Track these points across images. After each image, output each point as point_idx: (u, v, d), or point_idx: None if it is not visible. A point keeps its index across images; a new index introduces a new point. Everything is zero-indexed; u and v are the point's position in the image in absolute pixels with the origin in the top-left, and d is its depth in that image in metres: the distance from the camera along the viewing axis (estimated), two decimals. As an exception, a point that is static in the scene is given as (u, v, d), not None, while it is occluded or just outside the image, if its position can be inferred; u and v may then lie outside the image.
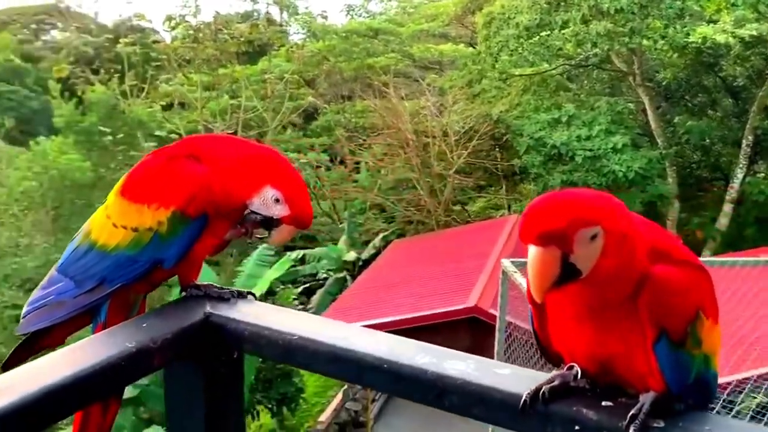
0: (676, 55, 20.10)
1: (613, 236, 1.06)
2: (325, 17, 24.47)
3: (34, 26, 34.91)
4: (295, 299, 17.24)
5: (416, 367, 1.22)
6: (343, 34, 23.13)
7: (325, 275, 19.63)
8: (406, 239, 21.21)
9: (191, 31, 19.60)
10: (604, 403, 1.10)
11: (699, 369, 1.12)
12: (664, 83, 21.93)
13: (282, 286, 17.10)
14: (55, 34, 31.79)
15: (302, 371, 16.01)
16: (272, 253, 14.48)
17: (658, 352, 1.08)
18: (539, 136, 20.00)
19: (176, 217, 1.44)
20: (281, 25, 25.74)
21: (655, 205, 20.25)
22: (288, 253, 17.38)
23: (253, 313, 1.46)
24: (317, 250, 20.41)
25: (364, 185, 23.72)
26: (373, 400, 15.09)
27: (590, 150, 19.29)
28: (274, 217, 1.48)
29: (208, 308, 1.47)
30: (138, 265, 1.46)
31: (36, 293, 1.53)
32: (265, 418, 15.75)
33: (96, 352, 1.28)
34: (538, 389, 1.10)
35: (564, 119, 20.10)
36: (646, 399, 1.07)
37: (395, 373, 1.24)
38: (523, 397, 1.10)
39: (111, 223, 1.47)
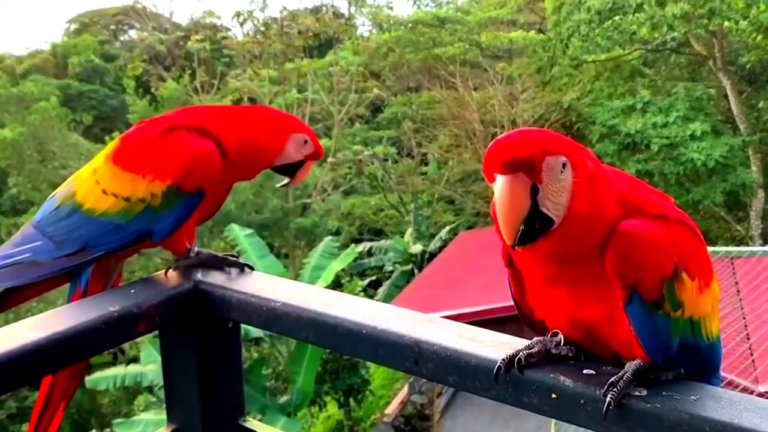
0: (760, 36, 18.99)
1: (581, 174, 0.97)
2: (391, 8, 24.43)
3: (113, 27, 36.42)
4: (361, 291, 17.33)
5: (393, 333, 1.17)
6: (410, 25, 22.99)
7: (391, 268, 19.66)
8: (473, 231, 20.97)
9: (260, 27, 19.93)
10: (585, 371, 1.02)
11: (684, 335, 1.01)
12: (747, 66, 20.80)
13: (349, 278, 17.22)
14: (133, 34, 33.06)
15: (369, 363, 16.14)
16: (337, 245, 14.60)
17: (630, 314, 0.98)
18: (613, 123, 19.37)
19: (172, 191, 1.40)
20: (348, 19, 25.87)
21: (737, 194, 19.26)
22: (353, 244, 17.50)
23: (241, 282, 1.44)
24: (384, 243, 20.45)
25: (433, 177, 23.58)
26: (439, 394, 15.04)
27: (667, 138, 18.53)
28: (302, 159, 1.56)
29: (199, 276, 1.46)
30: (125, 234, 1.42)
31: (5, 249, 1.49)
32: (333, 408, 15.93)
33: (75, 316, 1.28)
34: (514, 356, 1.02)
35: (639, 106, 19.39)
36: (629, 367, 0.98)
37: (373, 339, 1.19)
38: (498, 363, 1.02)
39: (100, 188, 1.43)
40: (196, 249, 1.49)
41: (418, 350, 1.13)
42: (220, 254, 1.50)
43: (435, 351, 1.11)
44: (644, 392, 0.95)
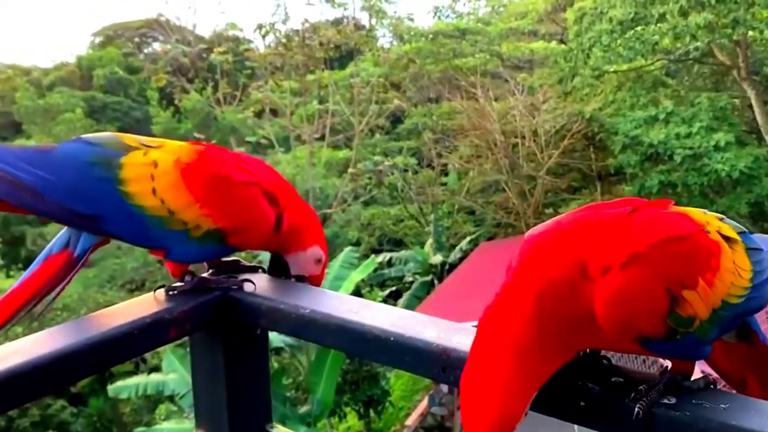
0: (785, 46, 18.84)
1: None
2: (412, 19, 24.55)
3: (137, 40, 36.97)
4: (381, 302, 17.31)
5: (421, 340, 1.18)
6: (430, 36, 23.07)
7: (411, 278, 19.65)
8: (493, 242, 20.90)
9: (281, 39, 20.16)
10: (614, 379, 1.01)
11: (708, 335, 0.99)
12: (773, 76, 20.63)
13: (369, 289, 17.23)
14: (157, 47, 33.51)
15: (390, 374, 16.10)
16: (357, 255, 14.64)
17: (651, 350, 0.98)
18: (635, 134, 19.26)
19: (216, 234, 1.38)
20: (369, 30, 26.06)
21: (762, 205, 19.02)
22: (373, 255, 17.52)
23: (269, 288, 1.45)
24: (403, 253, 20.46)
25: (453, 188, 23.57)
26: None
27: (690, 148, 18.38)
28: (305, 275, 1.50)
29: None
30: (146, 236, 1.38)
31: (7, 155, 1.35)
32: (353, 419, 15.91)
33: (110, 322, 1.31)
34: None
35: (662, 116, 19.26)
36: (662, 379, 0.98)
37: (401, 346, 1.20)
38: None
39: (153, 185, 1.35)
40: (188, 277, 1.45)
41: (446, 357, 1.13)
42: (213, 278, 1.46)
43: (463, 358, 1.10)
44: (673, 400, 0.95)
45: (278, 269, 1.51)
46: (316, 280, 1.51)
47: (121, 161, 1.36)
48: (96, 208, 1.35)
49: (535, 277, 0.96)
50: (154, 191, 1.35)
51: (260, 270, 1.52)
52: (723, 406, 0.93)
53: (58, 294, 1.42)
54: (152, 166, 1.37)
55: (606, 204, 1.04)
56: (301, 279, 1.50)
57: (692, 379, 0.98)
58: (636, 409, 0.93)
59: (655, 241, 0.96)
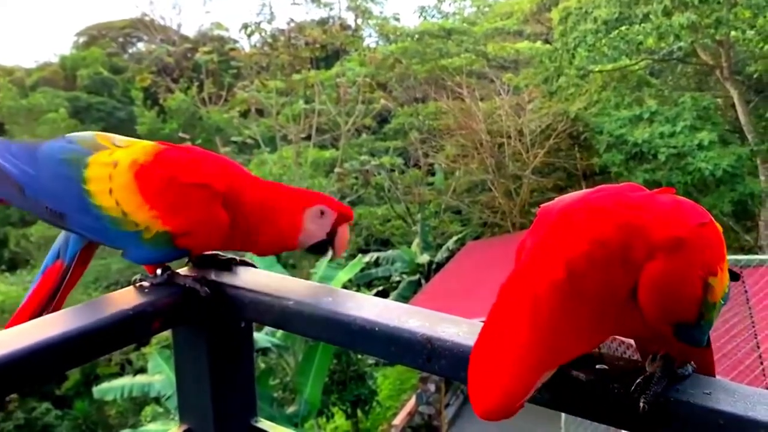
0: (767, 46, 18.99)
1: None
2: (398, 19, 24.54)
3: (121, 40, 36.65)
4: (368, 300, 17.30)
5: (406, 330, 1.18)
6: (416, 36, 23.08)
7: (398, 278, 19.65)
8: (480, 241, 20.95)
9: (267, 38, 20.13)
10: (597, 366, 1.01)
11: (714, 320, 1.00)
12: (754, 76, 20.79)
13: (356, 289, 17.20)
14: (141, 47, 33.29)
15: (377, 374, 16.10)
16: (344, 255, 14.63)
17: (682, 336, 0.97)
18: (620, 133, 19.37)
19: (164, 237, 1.37)
20: (355, 30, 26.02)
21: (745, 204, 19.20)
22: (360, 255, 17.51)
23: (253, 280, 1.44)
24: (390, 253, 20.46)
25: (439, 188, 23.61)
26: (447, 405, 14.98)
27: (674, 147, 18.51)
28: (329, 231, 1.45)
29: (212, 276, 1.47)
30: (104, 235, 1.40)
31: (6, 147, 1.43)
32: (340, 419, 15.89)
33: (91, 314, 1.30)
34: None
35: (646, 116, 19.38)
36: (659, 369, 0.97)
37: (386, 336, 1.20)
38: None
39: (109, 186, 1.36)
40: (159, 271, 1.44)
41: (430, 347, 1.13)
42: (181, 272, 1.46)
43: (447, 347, 1.11)
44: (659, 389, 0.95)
45: (321, 248, 1.48)
46: (342, 219, 1.45)
47: (88, 160, 1.38)
48: (63, 206, 1.38)
49: (568, 249, 0.90)
50: (110, 191, 1.37)
51: (234, 261, 1.51)
52: (706, 391, 0.94)
53: (63, 301, 1.47)
54: (112, 166, 1.38)
55: (621, 187, 1.01)
56: (320, 248, 1.48)
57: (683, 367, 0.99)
58: (641, 404, 0.93)
59: (692, 226, 0.94)
